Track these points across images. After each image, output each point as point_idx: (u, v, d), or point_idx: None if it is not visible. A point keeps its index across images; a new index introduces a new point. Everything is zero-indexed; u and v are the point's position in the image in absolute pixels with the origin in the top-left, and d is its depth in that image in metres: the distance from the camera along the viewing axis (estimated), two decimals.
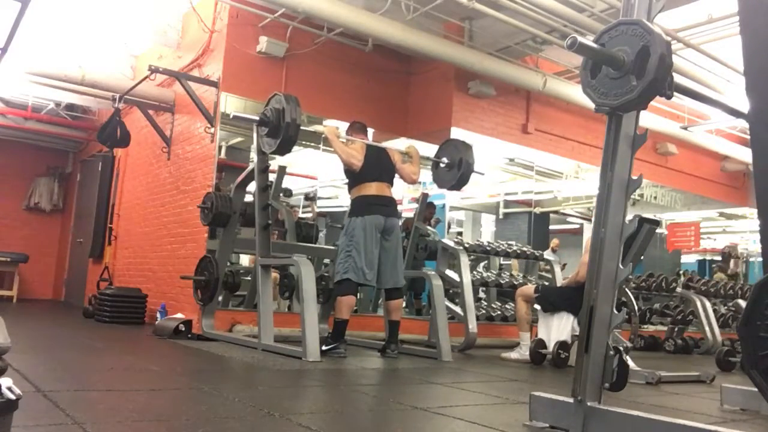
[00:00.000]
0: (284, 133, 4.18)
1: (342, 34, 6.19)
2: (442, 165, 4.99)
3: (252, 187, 4.73)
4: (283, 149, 4.33)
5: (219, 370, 3.62)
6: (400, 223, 5.12)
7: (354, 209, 4.57)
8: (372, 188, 4.57)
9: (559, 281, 6.14)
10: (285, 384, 3.24)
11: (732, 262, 10.16)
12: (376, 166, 4.63)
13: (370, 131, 6.63)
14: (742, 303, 6.97)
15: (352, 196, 4.64)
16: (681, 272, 7.93)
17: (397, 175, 4.76)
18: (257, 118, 4.37)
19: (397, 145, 5.91)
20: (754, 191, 2.08)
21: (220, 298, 5.37)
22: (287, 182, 6.80)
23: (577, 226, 10.03)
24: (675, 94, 2.05)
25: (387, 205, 4.59)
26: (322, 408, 2.66)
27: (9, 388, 1.39)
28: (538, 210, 8.55)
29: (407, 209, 7.30)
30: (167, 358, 4.02)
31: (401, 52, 6.35)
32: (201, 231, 5.65)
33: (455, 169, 4.89)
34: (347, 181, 4.70)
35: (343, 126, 5.00)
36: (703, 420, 2.63)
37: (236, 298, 6.09)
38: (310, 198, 7.27)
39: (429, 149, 5.48)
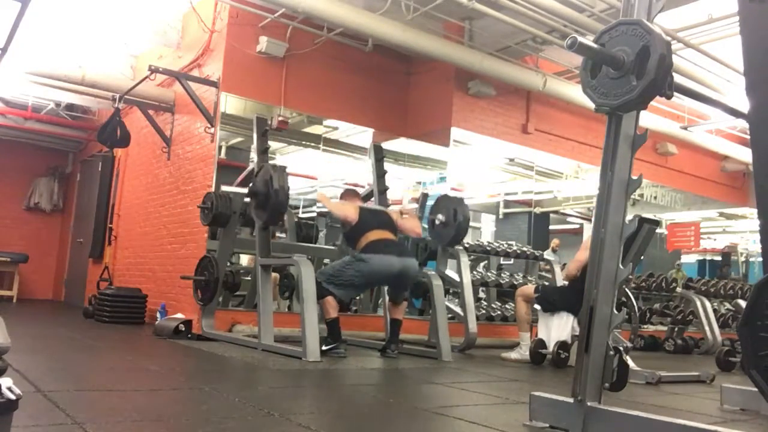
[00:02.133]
0: (274, 199, 4.34)
1: (342, 34, 6.18)
2: (437, 222, 5.39)
3: None
4: (274, 218, 4.56)
5: (219, 370, 3.62)
6: None
7: (365, 249, 4.46)
8: (375, 234, 4.53)
9: (559, 281, 6.14)
10: (285, 384, 3.24)
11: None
12: (374, 219, 4.66)
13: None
14: (742, 303, 6.97)
15: (357, 249, 4.53)
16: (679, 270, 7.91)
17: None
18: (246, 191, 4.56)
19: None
20: (754, 191, 2.08)
21: (220, 298, 5.37)
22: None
23: (577, 226, 10.02)
24: (675, 94, 2.04)
25: (396, 245, 4.57)
26: (322, 408, 2.66)
27: (9, 388, 1.38)
28: (538, 210, 8.54)
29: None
30: (167, 358, 4.02)
31: (401, 52, 6.35)
32: (201, 231, 5.65)
33: (450, 227, 5.35)
34: (347, 241, 4.74)
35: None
36: (703, 420, 2.63)
37: (236, 298, 6.09)
38: None
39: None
